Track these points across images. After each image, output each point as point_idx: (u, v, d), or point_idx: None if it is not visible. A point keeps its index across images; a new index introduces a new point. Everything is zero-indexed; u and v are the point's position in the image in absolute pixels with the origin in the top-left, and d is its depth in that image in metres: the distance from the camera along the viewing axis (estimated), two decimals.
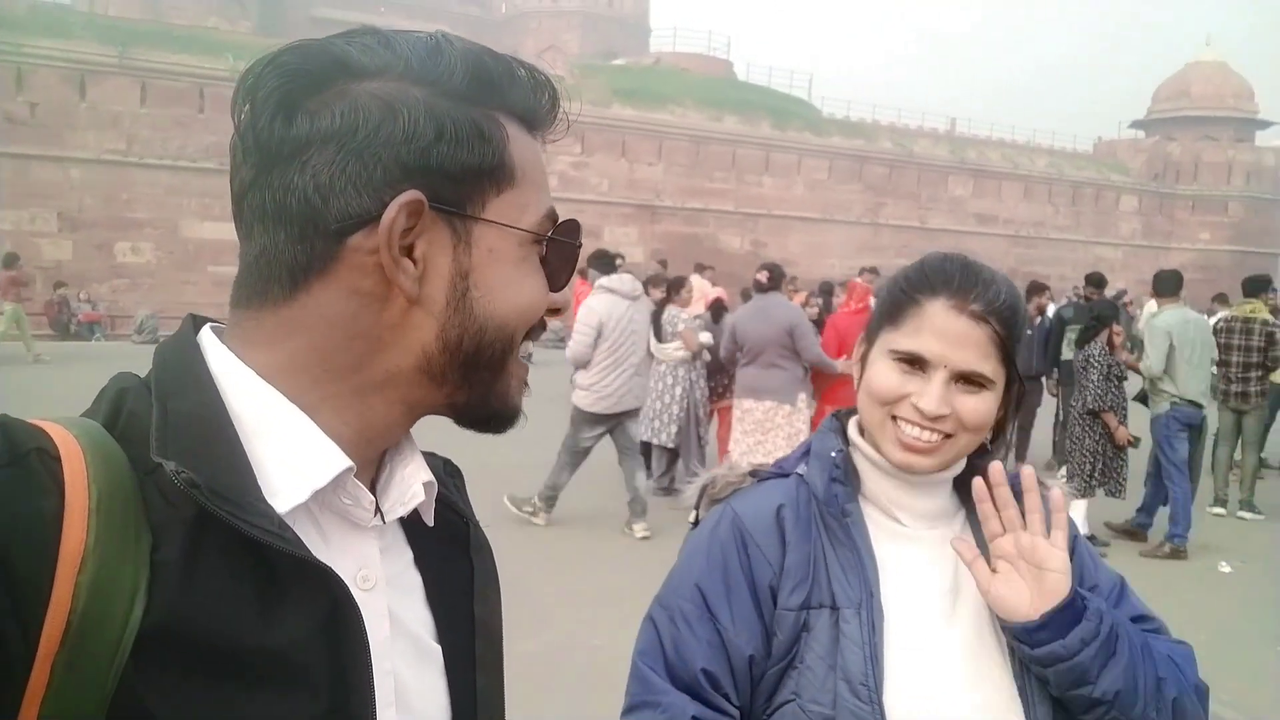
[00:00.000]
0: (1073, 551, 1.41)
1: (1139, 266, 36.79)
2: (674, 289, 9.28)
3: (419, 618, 0.87)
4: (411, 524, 0.89)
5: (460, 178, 0.77)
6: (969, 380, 1.29)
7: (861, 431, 1.39)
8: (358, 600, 0.75)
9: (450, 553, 0.93)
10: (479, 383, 0.82)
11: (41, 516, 0.64)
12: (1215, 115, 42.59)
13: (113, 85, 23.72)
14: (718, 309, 9.76)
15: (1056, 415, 10.47)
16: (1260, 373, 8.92)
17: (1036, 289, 10.37)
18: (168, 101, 23.91)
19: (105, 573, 0.64)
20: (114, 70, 23.70)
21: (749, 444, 7.52)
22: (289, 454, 0.75)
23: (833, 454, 1.37)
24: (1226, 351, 9.00)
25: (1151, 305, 13.60)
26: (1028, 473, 1.31)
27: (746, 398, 7.63)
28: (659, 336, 9.14)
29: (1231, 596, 6.92)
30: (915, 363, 1.30)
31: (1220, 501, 9.12)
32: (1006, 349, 1.30)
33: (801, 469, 1.40)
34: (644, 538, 7.30)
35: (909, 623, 1.29)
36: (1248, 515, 8.96)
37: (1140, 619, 1.40)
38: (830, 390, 7.98)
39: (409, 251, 0.76)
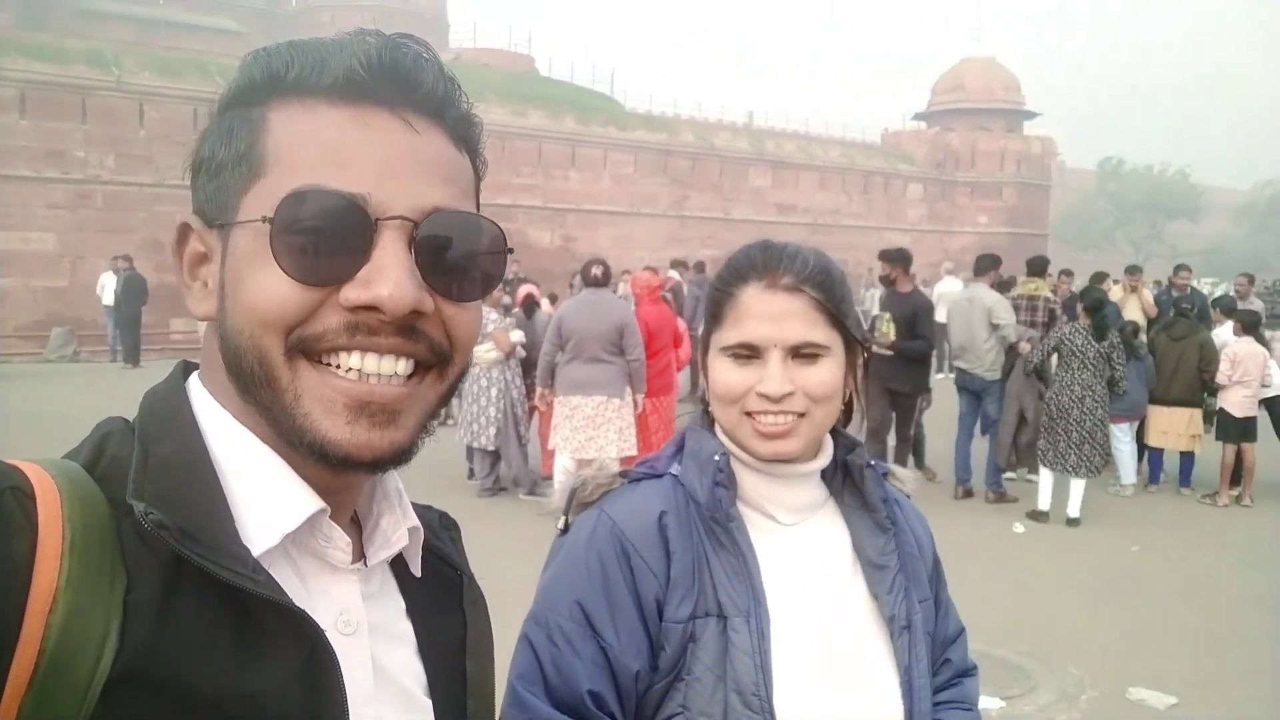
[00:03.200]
0: (935, 561, 1.48)
1: (926, 250, 39.05)
2: (529, 305, 9.22)
3: (410, 669, 0.84)
4: (405, 575, 0.86)
5: (222, 187, 0.75)
6: (804, 353, 1.28)
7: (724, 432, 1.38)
8: (338, 644, 0.73)
9: (444, 606, 0.90)
10: (266, 406, 0.73)
11: (11, 556, 0.62)
12: (988, 107, 45.56)
13: None
14: (529, 305, 9.71)
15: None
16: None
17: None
18: None
19: (76, 614, 0.63)
20: None
21: (580, 440, 7.51)
22: (263, 497, 0.74)
23: (715, 457, 1.33)
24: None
25: (947, 283, 14.58)
26: None
27: (574, 394, 7.59)
28: None
29: (1024, 553, 7.49)
30: (749, 352, 1.29)
31: (1010, 466, 9.78)
32: (831, 313, 1.30)
33: (675, 469, 1.36)
34: None
35: (795, 625, 1.27)
36: (1034, 478, 9.62)
37: (959, 635, 1.50)
38: (650, 382, 8.09)
39: (197, 273, 0.78)
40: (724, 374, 1.31)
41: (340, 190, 0.70)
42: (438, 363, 0.76)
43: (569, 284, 17.67)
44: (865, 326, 7.71)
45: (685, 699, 1.23)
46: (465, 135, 0.80)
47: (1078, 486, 8.41)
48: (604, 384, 7.55)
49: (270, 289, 0.70)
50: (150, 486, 0.69)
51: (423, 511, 0.91)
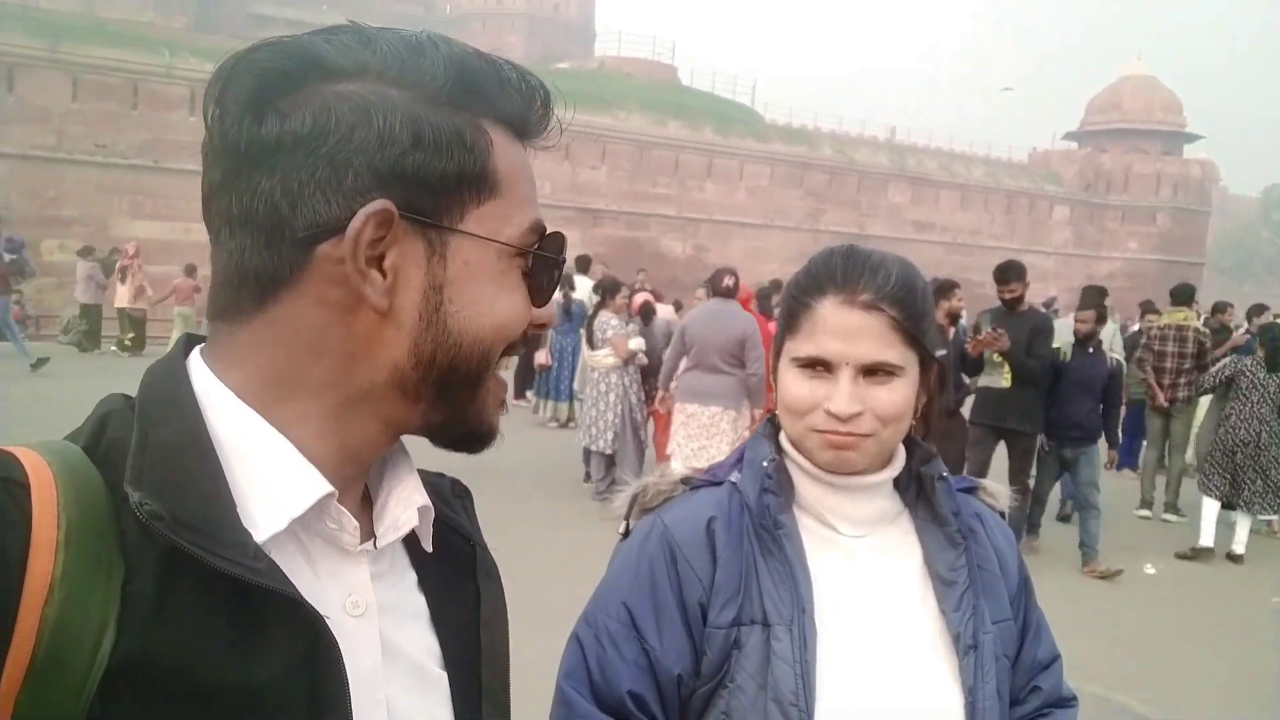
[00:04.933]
0: (1023, 582, 1.42)
1: (1070, 275, 37.67)
2: (608, 295, 9.28)
3: (423, 643, 0.84)
4: (416, 547, 0.86)
5: (437, 187, 0.74)
6: (876, 372, 1.25)
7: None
8: (346, 628, 0.73)
9: (456, 578, 0.89)
10: (454, 400, 0.78)
11: (4, 549, 0.61)
12: (1145, 128, 43.71)
13: (42, 79, 23.06)
14: (647, 312, 9.76)
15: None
16: (1188, 379, 9.22)
17: (943, 289, 7.19)
18: (99, 97, 23.32)
19: (73, 605, 0.62)
20: (44, 64, 23.05)
21: (693, 449, 7.48)
22: (268, 480, 0.73)
23: (764, 463, 1.32)
24: (1160, 358, 9.39)
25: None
26: None
27: (691, 401, 7.56)
28: (591, 343, 9.12)
29: (1156, 597, 7.10)
30: (819, 366, 1.27)
31: (1146, 504, 9.37)
32: (908, 332, 1.26)
33: (735, 476, 1.36)
34: None
35: (844, 638, 1.25)
36: (1172, 518, 9.20)
37: (1052, 661, 1.42)
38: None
39: (379, 262, 0.73)
40: (794, 386, 1.29)
41: (559, 232, 0.83)
42: None
43: (695, 295, 17.70)
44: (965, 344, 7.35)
45: (728, 706, 1.23)
46: None
47: (1244, 522, 8.01)
48: (721, 394, 7.48)
49: (517, 309, 0.80)
50: (149, 472, 0.68)
51: (435, 480, 0.92)
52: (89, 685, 0.62)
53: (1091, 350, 7.53)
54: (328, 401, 0.76)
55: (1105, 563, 7.30)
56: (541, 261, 0.81)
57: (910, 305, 1.26)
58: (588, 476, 9.15)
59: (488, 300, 0.77)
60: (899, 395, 1.26)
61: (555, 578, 6.27)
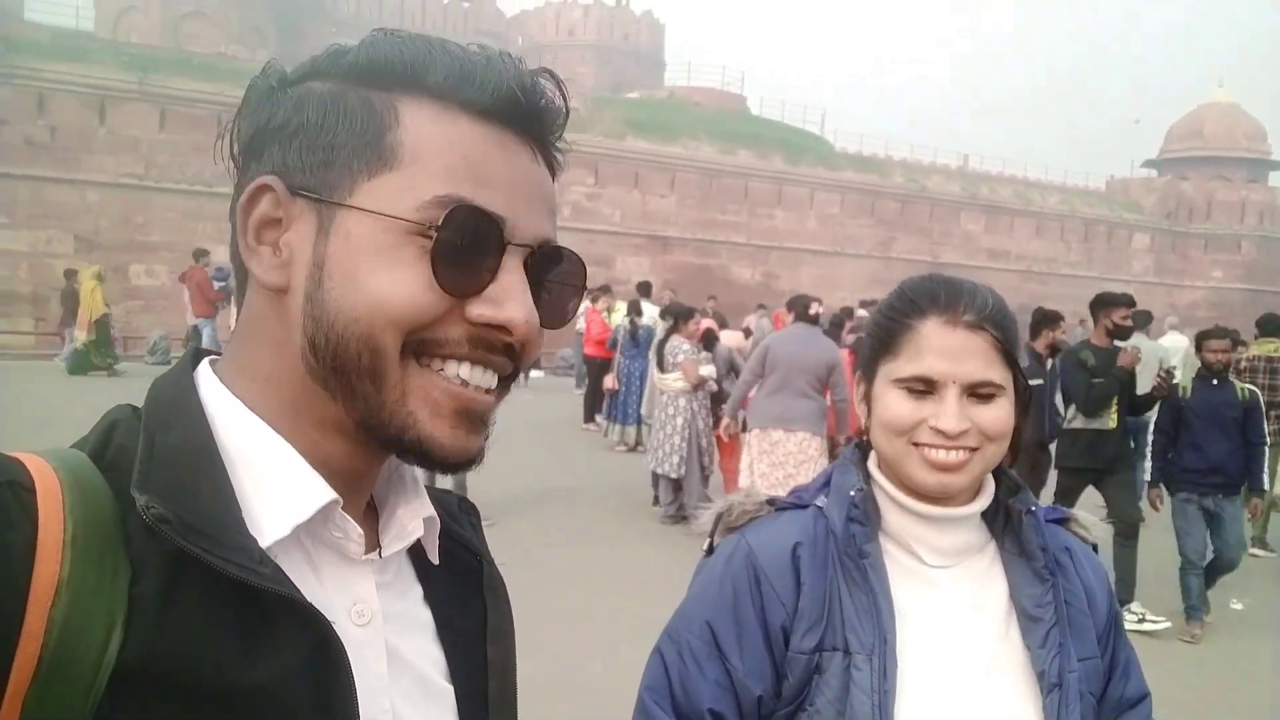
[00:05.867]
0: (1112, 617, 1.39)
1: (1150, 303, 36.54)
2: (680, 320, 9.30)
3: (428, 655, 0.83)
4: (423, 561, 0.86)
5: (330, 162, 0.73)
6: (981, 390, 1.27)
7: (880, 466, 1.36)
8: (351, 635, 0.73)
9: (463, 592, 0.89)
10: (361, 396, 0.74)
11: (10, 551, 0.62)
12: (1228, 155, 42.60)
13: (132, 111, 23.97)
14: (709, 339, 9.75)
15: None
16: (1278, 411, 8.89)
17: (1050, 320, 7.05)
18: (186, 127, 24.11)
19: (79, 607, 0.62)
20: (133, 96, 23.96)
21: (778, 476, 7.24)
22: (273, 486, 0.73)
23: (851, 492, 1.32)
24: None
25: (1171, 339, 13.57)
26: None
27: (776, 428, 7.39)
28: (661, 367, 9.16)
29: (1243, 633, 6.84)
30: (924, 386, 1.28)
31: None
32: (1007, 352, 1.29)
33: (821, 501, 1.36)
34: None
35: (925, 669, 1.25)
36: (1260, 552, 8.87)
37: (1139, 700, 1.39)
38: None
39: (278, 242, 0.75)
40: (895, 405, 1.30)
41: (490, 210, 0.73)
42: (511, 378, 0.80)
43: (746, 320, 17.66)
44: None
45: None
46: (556, 169, 0.83)
47: None
48: (807, 420, 7.37)
49: (409, 289, 0.72)
50: (155, 477, 0.68)
51: (441, 497, 0.91)
52: (96, 686, 0.62)
53: (1216, 382, 6.67)
54: (284, 396, 0.76)
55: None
56: (451, 240, 0.72)
57: (1007, 328, 1.29)
58: (656, 500, 9.18)
59: (366, 276, 0.72)
60: (1003, 413, 1.27)
61: (624, 597, 6.28)
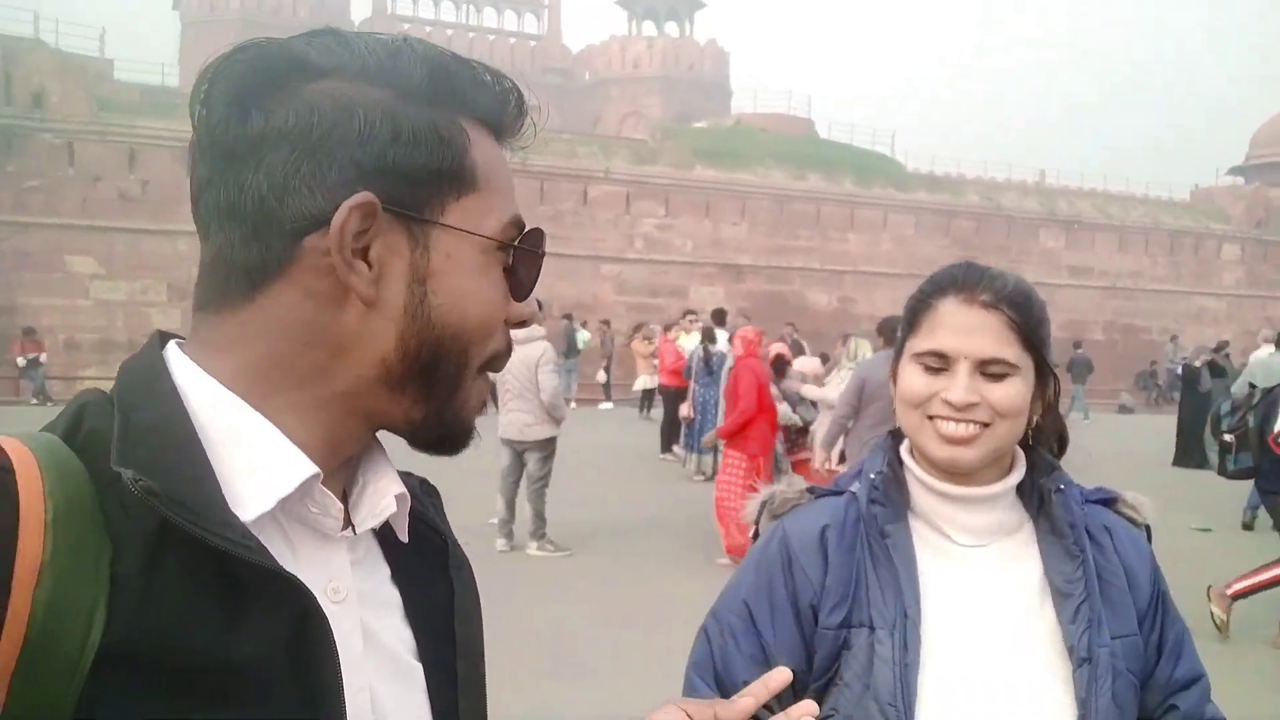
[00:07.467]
0: (1157, 597, 1.41)
1: (1244, 316, 35.51)
2: (778, 365, 9.44)
3: (398, 634, 0.84)
4: (389, 541, 0.86)
5: (418, 180, 0.76)
6: (992, 368, 1.31)
7: (912, 452, 1.42)
8: (329, 612, 0.73)
9: (429, 571, 0.90)
10: (436, 397, 0.79)
11: None
12: None
13: None
14: (779, 365, 9.65)
15: None
16: None
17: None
18: None
19: (63, 587, 0.63)
20: None
21: None
22: (253, 462, 0.73)
23: (872, 475, 1.40)
24: None
25: (1265, 352, 13.09)
26: None
27: None
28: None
29: None
30: (938, 361, 1.33)
31: None
32: (1025, 334, 1.32)
33: (855, 487, 1.43)
34: (543, 555, 7.73)
35: (952, 646, 1.30)
36: None
37: (1192, 682, 1.39)
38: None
39: (365, 254, 0.74)
40: (911, 379, 1.37)
41: (539, 228, 0.84)
42: None
43: (841, 343, 17.48)
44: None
45: (836, 702, 1.31)
46: None
47: None
48: None
49: (496, 302, 0.81)
50: (133, 455, 0.67)
51: (404, 478, 0.91)
52: (81, 665, 0.63)
53: None
54: (315, 393, 0.77)
55: None
56: (522, 256, 0.83)
57: (1027, 310, 1.34)
58: None
59: (469, 293, 0.79)
60: (1014, 391, 1.32)
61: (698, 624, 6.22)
